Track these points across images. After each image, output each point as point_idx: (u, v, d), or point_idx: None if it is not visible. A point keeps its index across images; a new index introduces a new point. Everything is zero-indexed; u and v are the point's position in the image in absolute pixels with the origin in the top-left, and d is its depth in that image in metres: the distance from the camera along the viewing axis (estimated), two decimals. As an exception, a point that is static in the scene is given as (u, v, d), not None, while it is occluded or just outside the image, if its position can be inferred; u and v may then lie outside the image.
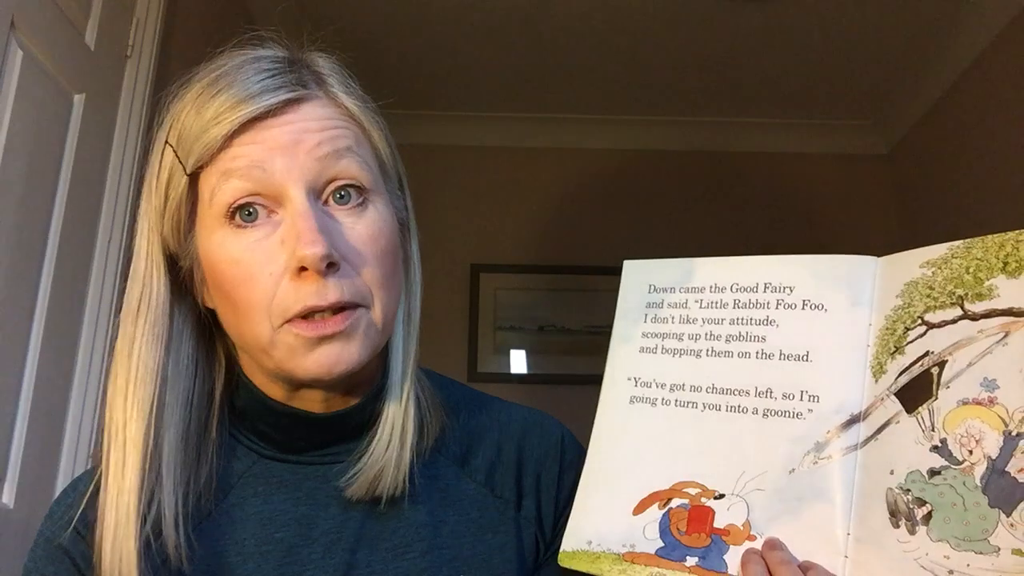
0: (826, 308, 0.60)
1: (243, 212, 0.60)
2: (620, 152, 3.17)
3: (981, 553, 0.49)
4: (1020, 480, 0.49)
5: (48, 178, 1.43)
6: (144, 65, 1.74)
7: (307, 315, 0.59)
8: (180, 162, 0.61)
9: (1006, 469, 0.49)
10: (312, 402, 0.66)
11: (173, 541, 0.60)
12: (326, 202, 0.61)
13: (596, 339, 2.91)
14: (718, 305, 0.64)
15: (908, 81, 2.85)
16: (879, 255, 0.61)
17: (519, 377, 2.94)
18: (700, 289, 0.65)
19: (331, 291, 0.58)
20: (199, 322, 0.67)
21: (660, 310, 0.67)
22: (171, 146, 0.62)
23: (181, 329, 0.66)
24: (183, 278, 0.66)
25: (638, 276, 0.69)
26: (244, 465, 0.67)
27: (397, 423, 0.65)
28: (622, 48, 2.75)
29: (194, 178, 0.61)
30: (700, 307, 0.65)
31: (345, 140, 0.62)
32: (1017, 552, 0.48)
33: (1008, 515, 0.49)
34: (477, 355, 2.93)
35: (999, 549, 0.48)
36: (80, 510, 0.64)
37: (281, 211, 0.60)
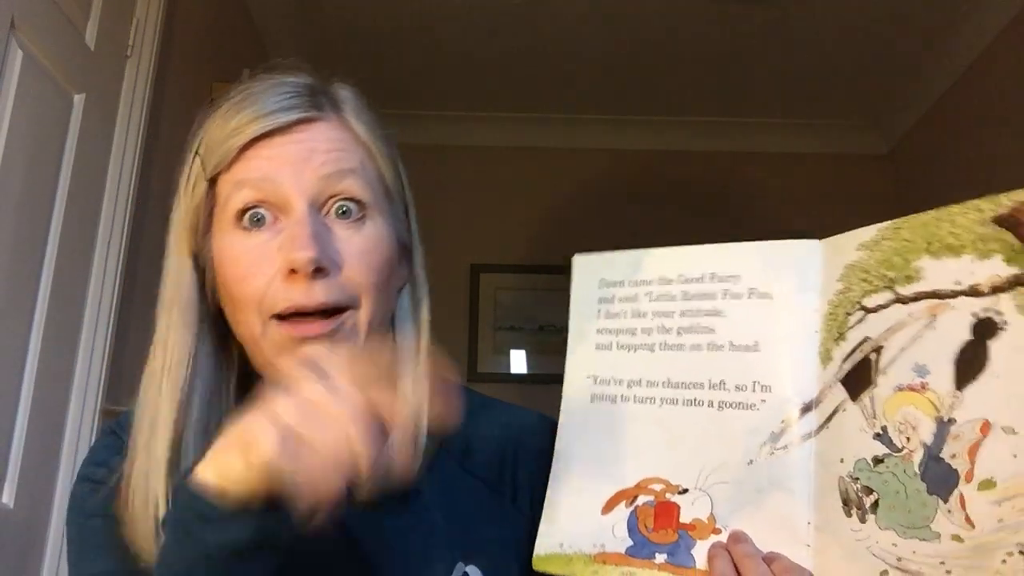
0: (772, 296, 0.59)
1: (252, 217, 0.65)
2: (620, 152, 3.17)
3: (924, 540, 0.49)
4: (953, 466, 0.48)
5: (48, 178, 1.43)
6: (144, 65, 1.73)
7: (292, 315, 0.63)
8: (203, 169, 0.67)
9: (940, 455, 0.49)
10: None
11: None
12: (327, 215, 0.65)
13: (596, 339, 2.91)
14: (667, 297, 0.63)
15: (908, 81, 2.85)
16: None
17: (519, 377, 2.94)
18: (648, 282, 0.65)
19: (317, 292, 0.62)
20: (214, 321, 0.71)
21: (612, 305, 0.66)
22: (199, 155, 0.68)
23: (203, 320, 0.69)
24: (201, 278, 0.71)
25: (589, 270, 0.68)
26: None
27: (406, 429, 0.67)
28: (622, 48, 2.75)
29: (212, 183, 0.67)
30: (650, 300, 0.64)
31: (349, 162, 0.66)
32: (956, 538, 0.47)
33: (945, 501, 0.48)
34: (477, 355, 2.93)
35: (940, 535, 0.48)
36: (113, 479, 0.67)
37: (284, 220, 0.64)
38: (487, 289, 3.01)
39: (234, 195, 0.65)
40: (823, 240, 0.59)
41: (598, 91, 2.99)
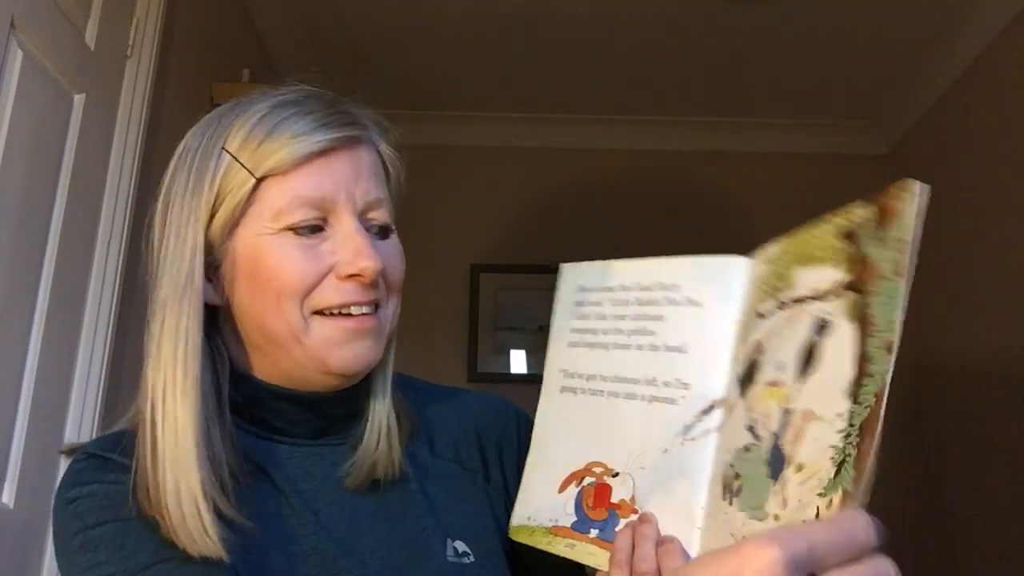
0: (702, 304, 0.66)
1: (304, 225, 0.70)
2: (620, 152, 3.17)
3: (759, 520, 0.54)
4: (784, 452, 0.54)
5: (48, 178, 1.43)
6: (144, 65, 1.73)
7: (339, 312, 0.69)
8: (247, 169, 0.70)
9: (779, 443, 0.54)
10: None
11: (225, 506, 0.65)
12: (367, 230, 0.72)
13: (596, 339, 2.91)
14: (624, 303, 0.71)
15: (908, 81, 2.85)
16: None
17: (519, 377, 2.94)
18: (611, 288, 0.72)
19: (371, 293, 0.71)
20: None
21: (584, 308, 0.74)
22: (231, 155, 0.70)
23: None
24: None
25: (571, 277, 0.76)
26: (247, 443, 0.73)
27: (383, 418, 0.75)
28: (622, 48, 2.75)
29: (257, 184, 0.70)
30: (611, 305, 0.72)
31: (382, 190, 0.74)
32: (776, 517, 0.53)
33: (775, 483, 0.54)
34: (477, 355, 2.93)
35: (768, 515, 0.53)
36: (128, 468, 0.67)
37: (330, 230, 0.71)
38: (487, 289, 3.01)
39: (292, 210, 0.69)
40: (751, 256, 0.65)
41: (598, 91, 2.99)
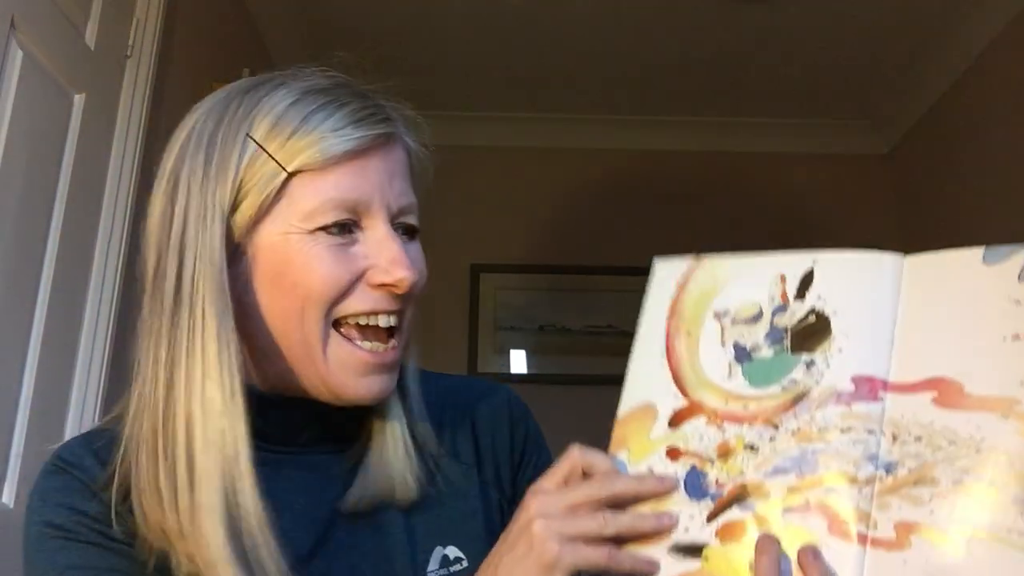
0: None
1: (336, 226, 0.66)
2: (620, 152, 3.17)
3: None
4: None
5: (48, 178, 1.43)
6: (144, 65, 1.73)
7: (362, 324, 0.66)
8: (275, 159, 0.65)
9: None
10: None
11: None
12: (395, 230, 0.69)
13: (596, 339, 2.91)
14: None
15: (908, 81, 2.85)
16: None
17: (519, 377, 2.94)
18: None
19: (401, 303, 0.67)
20: None
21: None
22: (254, 139, 0.65)
23: None
24: None
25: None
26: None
27: (399, 431, 0.70)
28: (622, 48, 2.75)
29: (287, 178, 0.65)
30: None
31: (413, 194, 0.72)
32: None
33: None
34: (477, 355, 2.93)
35: None
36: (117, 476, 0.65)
37: (361, 233, 0.67)
38: (487, 289, 3.01)
39: (325, 211, 0.65)
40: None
41: (598, 91, 2.99)
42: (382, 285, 0.66)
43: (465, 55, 2.80)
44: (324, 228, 0.65)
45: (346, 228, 0.66)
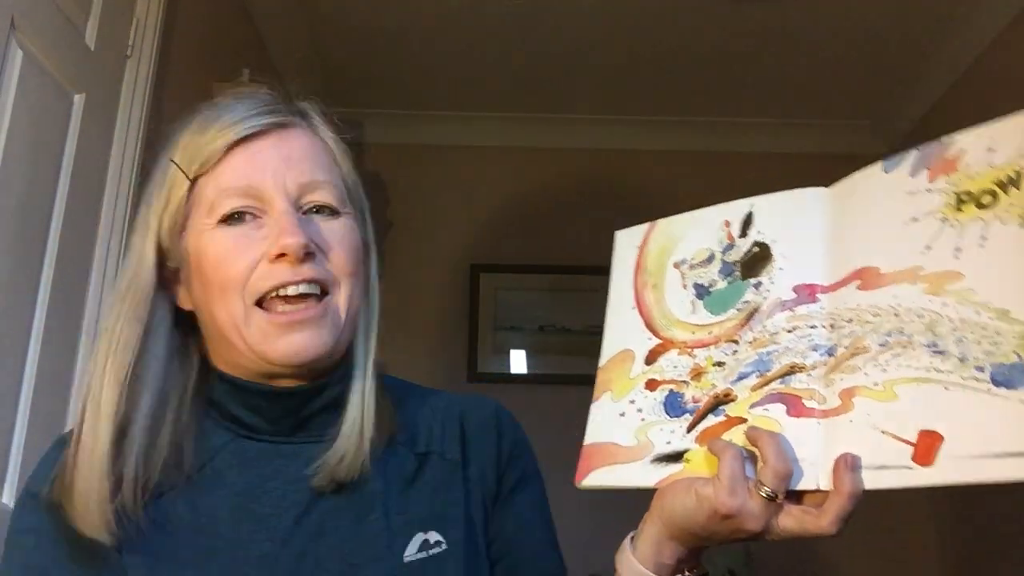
0: None
1: (235, 215, 0.71)
2: (620, 152, 3.17)
3: None
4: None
5: (48, 178, 1.43)
6: (144, 65, 1.73)
7: (276, 295, 0.70)
8: (183, 171, 0.72)
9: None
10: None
11: (129, 499, 0.68)
12: (304, 214, 0.73)
13: (596, 339, 2.88)
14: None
15: (908, 81, 2.85)
16: None
17: (519, 377, 2.94)
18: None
19: (305, 270, 0.70)
20: (175, 322, 0.76)
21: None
22: (174, 162, 0.73)
23: (159, 318, 0.75)
24: (167, 277, 0.76)
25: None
26: (221, 441, 0.75)
27: (358, 414, 0.74)
28: (622, 48, 2.75)
29: (192, 184, 0.72)
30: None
31: (322, 173, 0.74)
32: None
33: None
34: (477, 355, 2.93)
35: None
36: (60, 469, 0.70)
37: (266, 217, 0.71)
38: (487, 289, 3.00)
39: (221, 201, 0.71)
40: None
41: (598, 91, 2.99)
42: (278, 257, 0.69)
43: (466, 55, 2.80)
44: (226, 220, 0.71)
45: (249, 215, 0.71)
